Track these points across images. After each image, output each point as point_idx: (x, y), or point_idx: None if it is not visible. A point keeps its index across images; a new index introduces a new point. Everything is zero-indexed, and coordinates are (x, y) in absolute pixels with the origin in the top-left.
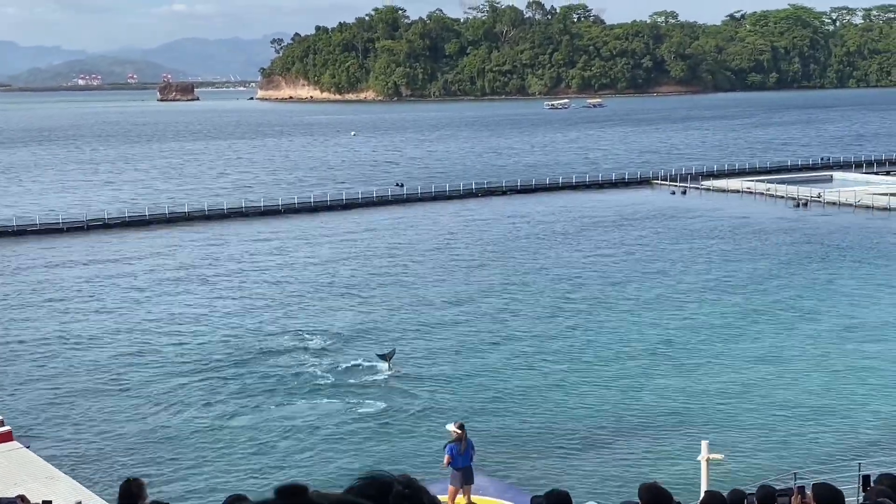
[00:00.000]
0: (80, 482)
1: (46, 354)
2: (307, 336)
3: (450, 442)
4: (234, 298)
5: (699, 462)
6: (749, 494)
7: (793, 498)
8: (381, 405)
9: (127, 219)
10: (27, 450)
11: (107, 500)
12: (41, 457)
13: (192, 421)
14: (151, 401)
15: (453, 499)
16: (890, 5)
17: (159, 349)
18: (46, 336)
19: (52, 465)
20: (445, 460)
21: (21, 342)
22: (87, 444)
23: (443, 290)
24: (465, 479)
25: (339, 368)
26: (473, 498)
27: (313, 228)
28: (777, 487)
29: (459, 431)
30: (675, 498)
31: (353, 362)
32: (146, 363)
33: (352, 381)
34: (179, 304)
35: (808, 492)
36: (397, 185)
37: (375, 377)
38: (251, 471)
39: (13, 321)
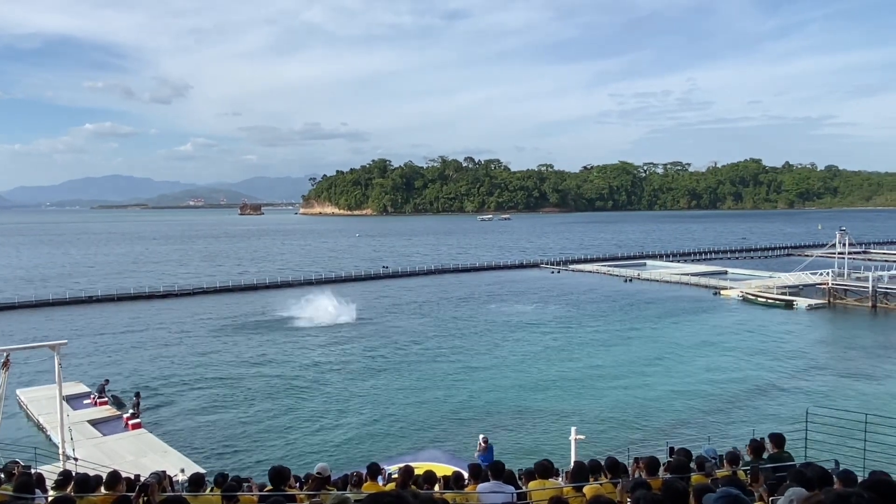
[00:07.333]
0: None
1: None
2: None
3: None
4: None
5: (570, 441)
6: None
7: (633, 465)
8: None
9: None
10: (150, 434)
11: (203, 468)
12: (157, 437)
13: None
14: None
15: None
16: (678, 161)
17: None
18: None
19: (165, 442)
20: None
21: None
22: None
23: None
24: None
25: None
26: (428, 465)
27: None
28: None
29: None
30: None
31: None
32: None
33: None
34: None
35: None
36: (383, 266)
37: None
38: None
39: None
